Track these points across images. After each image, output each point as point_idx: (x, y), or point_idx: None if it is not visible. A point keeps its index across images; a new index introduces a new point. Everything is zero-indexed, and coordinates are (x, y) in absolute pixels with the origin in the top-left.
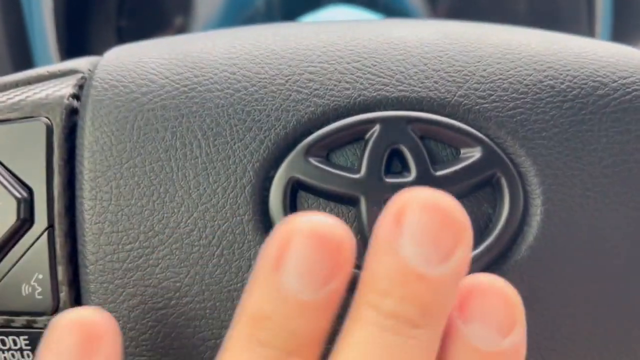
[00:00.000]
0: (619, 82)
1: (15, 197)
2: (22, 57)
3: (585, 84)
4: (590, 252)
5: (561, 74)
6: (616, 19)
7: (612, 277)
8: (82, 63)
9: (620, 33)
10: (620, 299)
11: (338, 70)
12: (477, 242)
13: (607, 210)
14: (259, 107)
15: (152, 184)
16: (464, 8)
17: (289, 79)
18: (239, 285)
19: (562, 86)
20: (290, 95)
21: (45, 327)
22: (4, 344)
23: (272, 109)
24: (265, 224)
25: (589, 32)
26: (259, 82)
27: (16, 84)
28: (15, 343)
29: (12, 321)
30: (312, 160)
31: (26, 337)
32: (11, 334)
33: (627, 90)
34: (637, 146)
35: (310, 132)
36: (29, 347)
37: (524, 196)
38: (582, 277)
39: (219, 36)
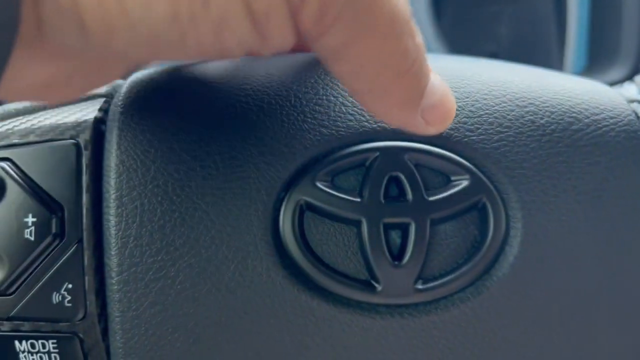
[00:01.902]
0: (591, 118)
1: (48, 214)
2: None
3: (562, 119)
4: (564, 270)
5: (540, 110)
6: (591, 46)
7: (583, 292)
8: (104, 87)
9: (595, 58)
10: (590, 310)
11: (341, 103)
12: (464, 259)
13: (579, 232)
14: (271, 135)
15: (174, 203)
16: (463, 22)
17: (298, 109)
18: (252, 295)
19: (542, 121)
20: (299, 124)
21: (72, 332)
22: (33, 347)
23: (282, 137)
24: (276, 241)
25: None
26: (271, 112)
27: (44, 107)
28: (44, 346)
29: (43, 326)
30: (319, 185)
31: (54, 341)
32: (41, 338)
33: (599, 126)
34: (606, 176)
35: (316, 159)
36: (56, 351)
37: (506, 219)
38: (556, 291)
39: (235, 67)
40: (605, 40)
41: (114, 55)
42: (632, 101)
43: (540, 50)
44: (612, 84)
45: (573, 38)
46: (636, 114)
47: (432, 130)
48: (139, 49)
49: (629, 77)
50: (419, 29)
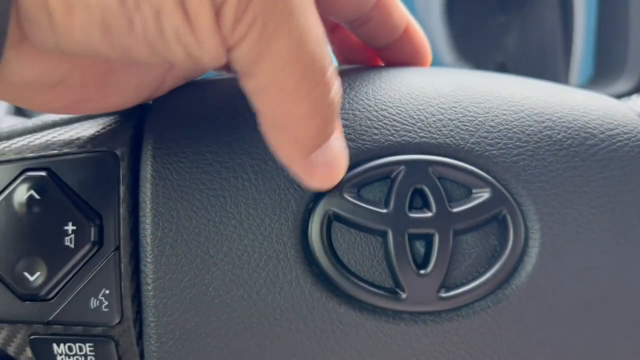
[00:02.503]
0: (606, 133)
1: (87, 222)
2: None
3: (578, 134)
4: (580, 279)
5: (557, 125)
6: (598, 58)
7: (599, 300)
8: None
9: (601, 70)
10: (605, 319)
11: (367, 117)
12: (485, 269)
13: (594, 244)
14: None
15: (208, 213)
16: (472, 32)
17: None
18: (282, 302)
19: (559, 136)
20: None
21: (108, 336)
22: (70, 350)
23: None
24: (305, 250)
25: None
26: None
27: (79, 118)
28: (81, 349)
29: (80, 330)
30: (346, 196)
31: (91, 344)
32: (78, 341)
33: (613, 141)
34: (621, 189)
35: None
36: (92, 354)
37: (525, 231)
38: (573, 300)
39: None
40: (612, 51)
41: (80, 48)
42: None
43: (548, 61)
44: (619, 96)
45: (580, 49)
46: None
47: (314, 184)
48: (95, 39)
49: (636, 90)
50: (432, 38)
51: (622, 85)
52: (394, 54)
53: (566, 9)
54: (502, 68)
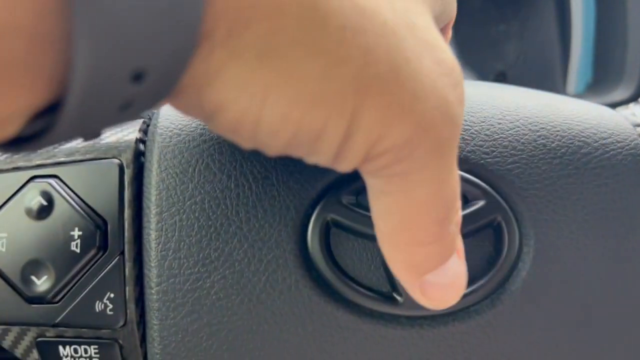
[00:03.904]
0: (599, 142)
1: (93, 228)
2: None
3: (572, 143)
4: (574, 284)
5: (552, 134)
6: (596, 66)
7: (592, 305)
8: None
9: (599, 78)
10: (598, 322)
11: None
12: (480, 274)
13: (588, 250)
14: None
15: (210, 219)
16: (465, 47)
17: None
18: (281, 305)
19: (553, 145)
20: None
21: (113, 339)
22: (76, 352)
23: None
24: (304, 256)
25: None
26: None
27: None
28: (86, 351)
29: (85, 332)
30: (345, 203)
31: (96, 346)
32: (83, 343)
33: (606, 149)
34: (613, 197)
35: (342, 179)
36: (97, 356)
37: (519, 237)
38: (566, 304)
39: None
40: (610, 59)
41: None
42: (637, 125)
43: (547, 69)
44: (616, 104)
45: (578, 57)
46: None
47: (426, 303)
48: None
49: (635, 97)
50: None
51: (620, 93)
52: None
53: (564, 17)
54: (502, 76)
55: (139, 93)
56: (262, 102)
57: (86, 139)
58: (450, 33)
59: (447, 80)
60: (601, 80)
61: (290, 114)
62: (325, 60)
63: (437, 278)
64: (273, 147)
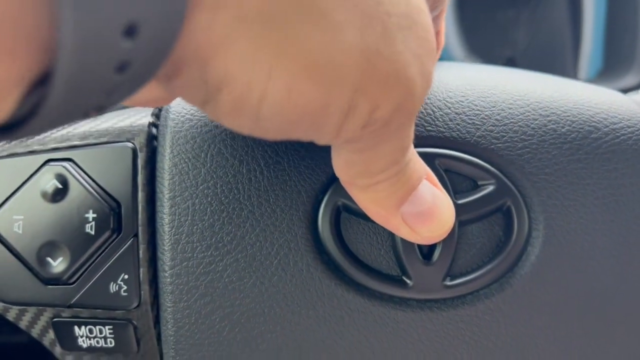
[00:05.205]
0: (610, 127)
1: (107, 210)
2: None
3: (582, 128)
4: (583, 268)
5: (562, 119)
6: (607, 52)
7: (601, 289)
8: None
9: (610, 63)
10: (606, 306)
11: None
12: (489, 258)
13: (597, 234)
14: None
15: (222, 204)
16: (473, 33)
17: None
18: (292, 288)
19: (563, 130)
20: None
21: (127, 319)
22: (91, 332)
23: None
24: (315, 240)
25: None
26: None
27: None
28: (101, 332)
29: (100, 313)
30: None
31: (110, 327)
32: (98, 324)
33: (617, 134)
34: (623, 182)
35: None
36: (112, 336)
37: (529, 221)
38: (575, 288)
39: None
40: (621, 45)
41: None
42: None
43: (557, 55)
44: (627, 90)
45: (589, 43)
46: None
47: (419, 239)
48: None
49: None
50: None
51: (631, 78)
52: None
53: (575, 3)
54: (511, 62)
55: (134, 51)
56: (268, 75)
57: (89, 113)
58: (444, 23)
59: (422, 51)
60: (612, 66)
61: (296, 87)
62: (326, 25)
63: (413, 207)
64: (274, 128)
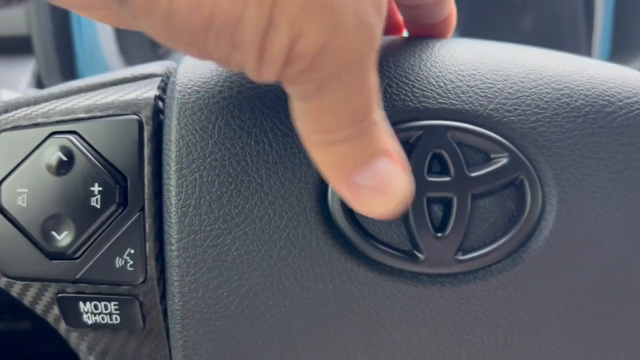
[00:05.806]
0: (624, 101)
1: (113, 184)
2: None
3: (596, 102)
4: (596, 243)
5: (575, 93)
6: (615, 36)
7: (613, 264)
8: (158, 68)
9: (619, 48)
10: (621, 283)
11: (387, 84)
12: (502, 233)
13: (611, 209)
14: None
15: (230, 176)
16: (479, 19)
17: None
18: (301, 262)
19: (576, 103)
20: None
21: (133, 295)
22: (96, 308)
23: None
24: (325, 213)
25: (588, 48)
26: None
27: (103, 85)
28: (106, 308)
29: (105, 289)
30: None
31: (116, 302)
32: (103, 299)
33: (631, 108)
34: (637, 156)
35: None
36: (117, 312)
37: (542, 196)
38: (588, 263)
39: None
40: (631, 29)
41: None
42: None
43: (563, 41)
44: None
45: (599, 28)
46: None
47: (364, 210)
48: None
49: None
50: None
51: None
52: (422, 21)
53: None
54: None
55: None
56: None
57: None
58: (454, 7)
59: None
60: (621, 50)
61: None
62: None
63: (365, 180)
64: (187, 34)
